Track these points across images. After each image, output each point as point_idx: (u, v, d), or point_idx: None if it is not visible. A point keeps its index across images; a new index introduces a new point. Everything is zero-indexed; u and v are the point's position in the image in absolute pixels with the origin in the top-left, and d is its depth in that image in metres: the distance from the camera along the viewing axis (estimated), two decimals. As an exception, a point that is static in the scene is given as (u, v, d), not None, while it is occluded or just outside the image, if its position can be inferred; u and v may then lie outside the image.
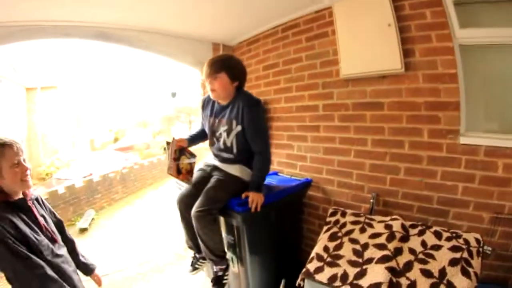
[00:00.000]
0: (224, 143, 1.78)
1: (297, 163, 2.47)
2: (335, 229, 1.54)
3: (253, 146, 1.76)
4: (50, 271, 1.17)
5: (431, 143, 1.69)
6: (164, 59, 3.06)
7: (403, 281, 1.16)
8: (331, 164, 2.20)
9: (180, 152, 1.89)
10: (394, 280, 1.16)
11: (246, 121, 1.68)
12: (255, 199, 1.69)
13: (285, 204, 2.05)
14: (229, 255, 2.05)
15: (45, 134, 12.30)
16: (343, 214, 1.65)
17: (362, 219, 1.57)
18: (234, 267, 2.06)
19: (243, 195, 1.75)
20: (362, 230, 1.48)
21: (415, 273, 1.18)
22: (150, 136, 20.29)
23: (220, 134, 1.78)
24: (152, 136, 21.54)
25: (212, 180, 1.81)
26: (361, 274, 1.21)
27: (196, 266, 1.98)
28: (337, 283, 1.20)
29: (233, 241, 1.93)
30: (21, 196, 1.24)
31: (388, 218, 1.54)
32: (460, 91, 1.59)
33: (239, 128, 1.70)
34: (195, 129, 2.09)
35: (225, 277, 1.83)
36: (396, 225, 1.44)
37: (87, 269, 1.56)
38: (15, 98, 11.11)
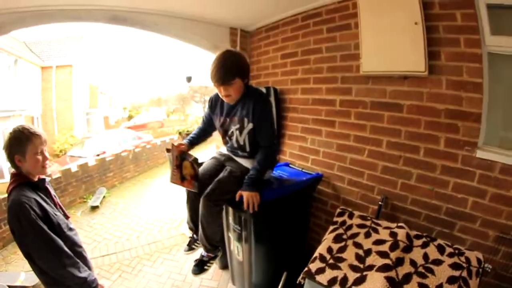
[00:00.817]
0: (237, 141, 1.77)
1: (309, 157, 2.45)
2: (340, 231, 1.53)
3: (261, 141, 1.74)
4: (66, 249, 1.33)
5: (447, 153, 1.64)
6: (179, 42, 3.02)
7: None
8: (343, 161, 2.17)
9: (181, 157, 1.83)
10: None
11: (258, 119, 1.66)
12: (250, 199, 1.65)
13: (295, 198, 2.05)
14: (235, 244, 2.10)
15: (60, 112, 12.44)
16: (351, 216, 1.63)
17: (368, 223, 1.56)
18: (239, 256, 2.10)
19: (237, 196, 1.70)
20: (367, 235, 1.47)
21: (412, 286, 1.17)
22: (164, 115, 20.37)
23: (232, 132, 1.76)
24: (166, 115, 21.66)
25: (225, 171, 1.81)
26: (360, 280, 1.21)
27: (193, 246, 2.02)
28: (336, 286, 1.20)
29: (240, 231, 1.95)
30: (40, 177, 1.39)
31: (394, 225, 1.52)
32: (483, 102, 1.51)
33: (250, 126, 1.68)
34: (194, 129, 2.05)
35: (209, 264, 1.89)
36: (401, 234, 1.42)
37: None
38: (30, 77, 11.30)
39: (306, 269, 1.29)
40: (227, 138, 1.85)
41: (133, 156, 6.85)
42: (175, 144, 1.87)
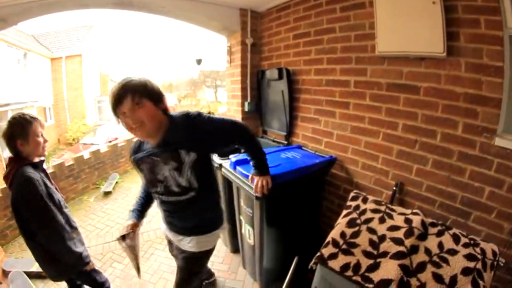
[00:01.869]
0: (178, 185, 1.31)
1: (322, 139, 2.39)
2: (354, 215, 1.48)
3: (241, 146, 1.56)
4: (66, 225, 1.49)
5: (465, 139, 1.56)
6: (188, 25, 2.96)
7: (413, 282, 1.10)
8: (357, 144, 2.11)
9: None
10: (405, 279, 1.11)
11: (210, 137, 1.31)
12: (260, 181, 1.62)
13: (307, 181, 2.01)
14: (246, 227, 2.09)
15: (71, 101, 12.68)
16: (365, 200, 1.58)
17: (383, 208, 1.50)
18: (250, 240, 2.10)
19: (250, 178, 1.70)
20: (382, 221, 1.42)
21: (426, 276, 1.12)
22: (175, 100, 20.38)
23: (166, 177, 1.32)
24: (178, 100, 21.68)
25: (179, 263, 1.58)
26: (374, 267, 1.17)
27: None
28: (349, 272, 1.16)
29: (251, 214, 1.94)
30: (40, 159, 1.52)
31: (409, 212, 1.47)
32: (504, 87, 1.41)
33: (193, 155, 1.26)
34: (138, 197, 1.65)
35: None
36: (416, 221, 1.36)
37: None
38: (41, 69, 11.50)
39: (318, 254, 1.26)
40: (158, 187, 1.37)
41: (145, 141, 6.89)
42: (128, 229, 1.44)
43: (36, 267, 2.39)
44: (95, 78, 15.09)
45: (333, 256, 1.23)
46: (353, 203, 1.57)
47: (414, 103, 1.75)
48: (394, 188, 1.86)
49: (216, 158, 2.24)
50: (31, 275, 2.47)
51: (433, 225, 1.38)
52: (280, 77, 2.53)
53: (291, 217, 2.07)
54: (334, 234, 1.36)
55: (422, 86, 1.70)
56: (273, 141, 2.86)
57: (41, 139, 1.46)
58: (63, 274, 1.62)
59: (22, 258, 2.84)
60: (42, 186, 1.38)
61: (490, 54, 1.43)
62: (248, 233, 2.10)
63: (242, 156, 2.07)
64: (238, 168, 1.94)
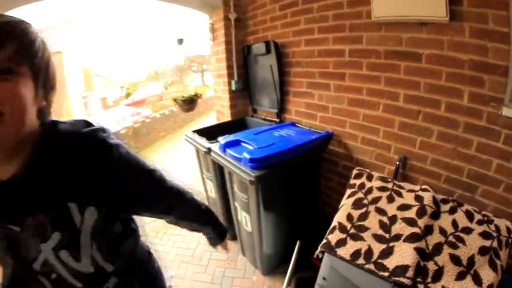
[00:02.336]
0: (71, 270, 0.68)
1: (317, 114, 2.24)
2: (360, 195, 1.35)
3: (159, 201, 0.87)
4: None
5: (471, 109, 1.44)
6: (169, 5, 2.72)
7: (431, 266, 1.01)
8: (355, 118, 1.97)
9: None
10: (422, 263, 1.01)
11: (121, 181, 0.69)
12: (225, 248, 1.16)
13: (304, 159, 1.88)
14: (242, 214, 1.97)
15: (56, 100, 12.07)
16: (369, 177, 1.46)
17: (390, 185, 1.38)
18: (248, 227, 1.98)
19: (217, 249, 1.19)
20: (390, 199, 1.30)
21: (444, 258, 1.02)
22: (162, 88, 20.07)
23: (47, 260, 0.65)
24: (164, 88, 21.34)
25: None
26: (387, 252, 1.05)
27: None
28: (361, 260, 1.04)
29: (247, 200, 1.81)
30: None
31: (417, 188, 1.37)
32: (511, 54, 1.29)
33: (92, 211, 0.65)
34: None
35: None
36: (427, 198, 1.26)
37: None
38: None
39: (324, 241, 1.12)
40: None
41: (132, 132, 6.70)
42: None
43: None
44: (78, 73, 14.74)
45: (341, 242, 1.10)
46: (357, 181, 1.44)
47: (415, 71, 1.62)
48: (398, 162, 1.75)
49: (204, 142, 2.08)
50: None
51: (444, 201, 1.28)
52: (268, 51, 2.34)
53: (289, 199, 1.96)
54: (340, 217, 1.23)
55: (424, 53, 1.56)
56: (264, 119, 2.70)
57: None
58: None
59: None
60: None
61: (496, 19, 1.30)
62: (244, 220, 1.98)
63: (232, 137, 1.92)
64: (228, 151, 1.80)
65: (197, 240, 2.82)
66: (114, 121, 8.28)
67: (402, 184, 1.41)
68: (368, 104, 1.86)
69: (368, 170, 1.50)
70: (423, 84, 1.59)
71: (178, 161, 5.67)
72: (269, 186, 1.69)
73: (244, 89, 2.85)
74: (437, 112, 1.56)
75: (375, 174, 1.47)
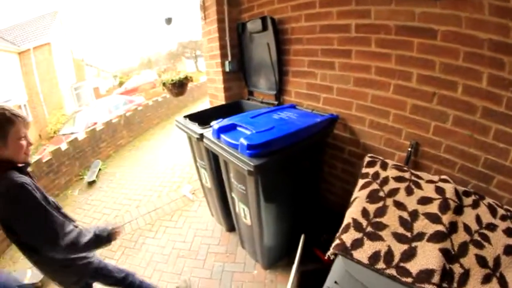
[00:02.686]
0: None
1: (320, 95, 2.07)
2: (375, 186, 1.19)
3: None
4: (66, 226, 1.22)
5: (490, 93, 1.30)
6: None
7: (456, 269, 0.87)
8: (363, 99, 1.80)
9: None
10: (447, 266, 0.87)
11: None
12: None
13: (308, 145, 1.70)
14: (240, 206, 1.83)
15: (47, 93, 12.07)
16: (384, 166, 1.30)
17: (407, 175, 1.23)
18: (247, 219, 1.84)
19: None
20: (409, 191, 1.15)
21: (470, 260, 0.89)
22: (155, 75, 19.97)
23: None
24: (158, 75, 21.14)
25: None
26: (410, 254, 0.90)
27: None
28: (380, 264, 0.89)
29: (245, 191, 1.66)
30: (25, 162, 1.24)
31: (436, 178, 1.23)
32: None
33: None
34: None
35: None
36: (449, 191, 1.11)
37: None
38: (8, 66, 10.84)
39: (337, 241, 0.96)
40: None
41: (124, 121, 6.46)
42: None
43: (27, 279, 2.28)
44: (69, 65, 14.44)
45: (357, 243, 0.94)
46: (371, 170, 1.28)
47: (430, 49, 1.45)
48: (409, 149, 1.61)
49: (196, 128, 1.91)
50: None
51: (466, 194, 1.15)
52: (264, 28, 2.13)
53: (291, 188, 1.81)
54: (354, 212, 1.07)
55: (440, 30, 1.39)
56: (261, 102, 2.51)
57: (24, 142, 1.16)
58: (80, 278, 1.45)
59: (14, 272, 2.59)
60: (36, 191, 1.13)
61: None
62: (243, 212, 1.84)
63: (227, 121, 1.74)
64: (223, 136, 1.63)
65: (194, 232, 2.71)
66: (106, 110, 8.01)
67: (419, 173, 1.26)
68: (377, 84, 1.70)
69: (381, 158, 1.35)
70: (438, 63, 1.44)
71: (173, 149, 5.49)
72: (269, 175, 1.53)
73: (239, 70, 2.66)
74: (453, 95, 1.43)
75: (390, 162, 1.31)
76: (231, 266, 2.23)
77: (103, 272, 1.54)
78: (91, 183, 4.49)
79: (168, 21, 2.54)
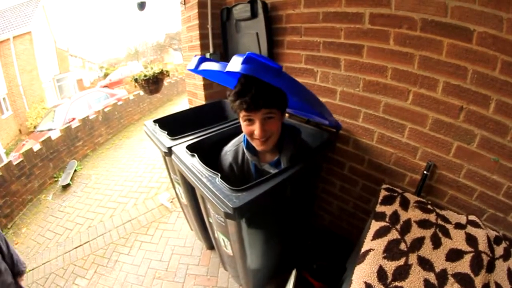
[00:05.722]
0: None
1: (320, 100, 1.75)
2: (394, 234, 0.90)
3: None
4: None
5: None
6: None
7: None
8: (373, 108, 1.49)
9: None
10: None
11: None
12: None
13: (304, 165, 1.34)
14: (219, 235, 1.51)
15: (27, 85, 11.71)
16: (404, 204, 1.00)
17: (433, 217, 0.98)
18: (228, 249, 1.52)
19: None
20: (436, 243, 0.90)
21: None
22: (141, 67, 19.81)
23: None
24: (144, 67, 20.69)
25: None
26: None
27: None
28: None
29: (224, 223, 1.32)
30: None
31: (464, 219, 1.01)
32: None
33: None
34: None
35: None
36: (482, 239, 0.90)
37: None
38: None
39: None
40: None
41: (103, 117, 6.05)
42: None
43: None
44: (52, 55, 14.00)
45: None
46: (388, 210, 0.98)
47: (463, 54, 1.17)
48: (425, 172, 1.34)
49: (164, 139, 1.57)
50: None
51: (497, 241, 0.93)
52: (254, 14, 1.77)
53: (281, 211, 1.49)
54: (367, 273, 0.77)
55: (476, 31, 1.12)
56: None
57: None
58: None
59: None
60: None
61: None
62: (223, 242, 1.52)
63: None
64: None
65: (171, 249, 2.43)
66: (85, 105, 7.48)
67: (445, 213, 0.97)
68: (393, 91, 1.39)
69: (400, 190, 1.03)
70: (471, 72, 1.17)
71: (153, 148, 5.16)
72: (254, 209, 1.18)
73: (221, 64, 2.29)
74: (484, 112, 1.18)
75: (411, 198, 1.00)
76: (212, 291, 1.96)
77: None
78: (65, 187, 4.18)
79: (141, 6, 2.15)
